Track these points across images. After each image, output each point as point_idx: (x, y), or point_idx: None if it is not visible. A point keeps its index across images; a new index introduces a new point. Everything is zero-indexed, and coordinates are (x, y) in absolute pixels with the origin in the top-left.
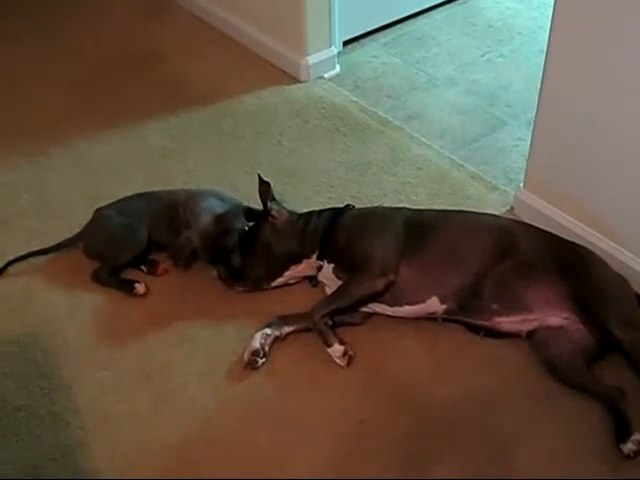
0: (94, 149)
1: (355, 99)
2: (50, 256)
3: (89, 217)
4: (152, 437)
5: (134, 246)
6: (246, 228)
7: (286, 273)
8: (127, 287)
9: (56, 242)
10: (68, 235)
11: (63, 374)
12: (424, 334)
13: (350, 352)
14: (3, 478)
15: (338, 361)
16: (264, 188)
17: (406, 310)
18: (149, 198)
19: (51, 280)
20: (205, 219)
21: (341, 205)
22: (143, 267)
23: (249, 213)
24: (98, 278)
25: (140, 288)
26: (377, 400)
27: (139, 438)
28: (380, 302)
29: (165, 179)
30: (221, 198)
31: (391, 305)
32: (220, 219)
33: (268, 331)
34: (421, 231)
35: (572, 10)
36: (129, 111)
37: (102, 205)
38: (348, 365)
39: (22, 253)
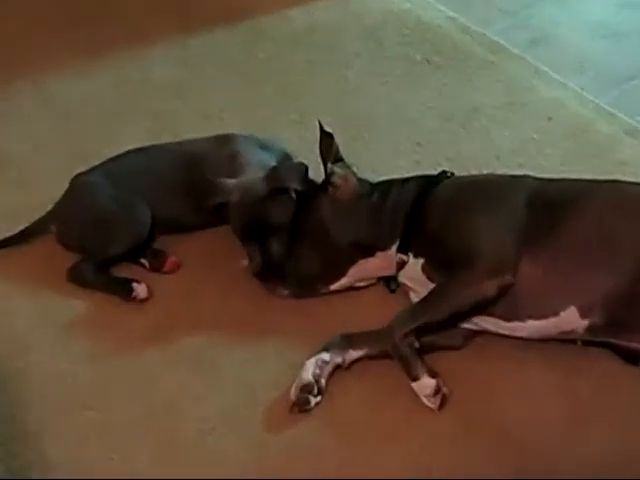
0: (73, 87)
1: (454, 15)
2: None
3: (64, 188)
4: None
5: (131, 231)
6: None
7: (351, 271)
8: (122, 289)
9: (19, 228)
10: (37, 215)
11: (28, 416)
12: (555, 363)
13: (444, 389)
14: None
15: (426, 401)
16: (326, 143)
17: (529, 327)
18: (152, 154)
19: (11, 281)
20: (251, 173)
21: (433, 172)
22: (144, 260)
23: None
24: (79, 277)
25: (140, 290)
26: (480, 460)
27: None
28: (491, 315)
29: (176, 130)
30: (269, 149)
31: (507, 319)
32: (275, 175)
33: (326, 357)
34: (552, 211)
35: None
36: (126, 32)
37: (83, 170)
38: (441, 408)
39: None
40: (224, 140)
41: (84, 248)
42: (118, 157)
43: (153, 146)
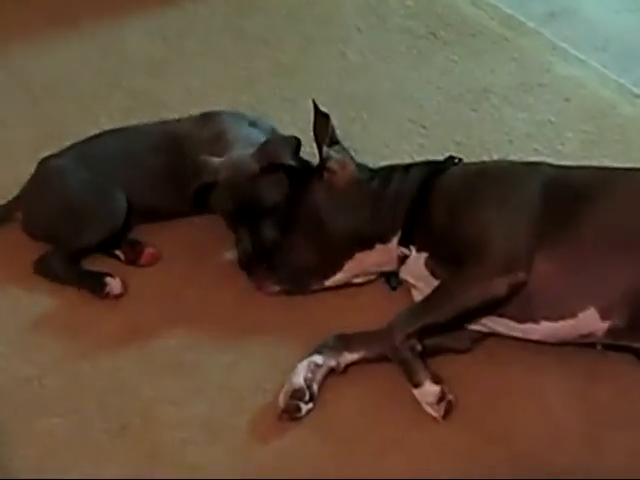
0: (41, 61)
1: None
2: None
3: (32, 171)
4: None
5: (105, 220)
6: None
7: (348, 265)
8: (94, 284)
9: None
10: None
11: None
12: (572, 368)
13: (450, 396)
14: None
15: (429, 409)
16: (321, 124)
17: (544, 329)
18: (130, 136)
19: None
20: (241, 149)
21: (440, 158)
22: (119, 252)
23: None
24: (47, 270)
25: (114, 285)
26: (489, 473)
27: None
28: (502, 316)
29: (154, 109)
30: (257, 126)
31: (520, 321)
32: (265, 150)
33: (318, 359)
34: (570, 202)
35: None
36: (98, 1)
37: (53, 152)
38: (445, 416)
39: None
40: (208, 118)
41: (53, 238)
42: (91, 139)
43: (131, 127)
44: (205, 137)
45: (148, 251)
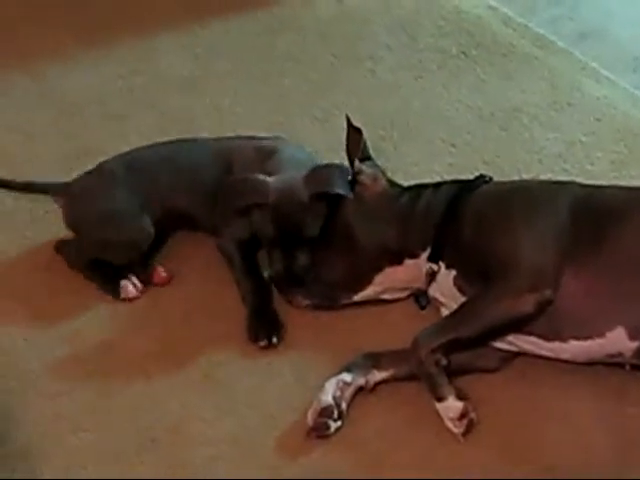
0: (73, 78)
1: (495, 4)
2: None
3: None
4: None
5: (128, 246)
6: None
7: (377, 279)
8: (109, 285)
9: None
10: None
11: (20, 434)
12: (601, 388)
13: (472, 414)
14: None
15: (451, 425)
16: (354, 139)
17: (572, 348)
18: (180, 146)
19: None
20: (291, 170)
21: (469, 177)
22: (131, 275)
23: None
24: (66, 255)
25: (129, 288)
26: None
27: None
28: (530, 334)
29: (184, 127)
30: (302, 152)
31: (547, 339)
32: (316, 177)
33: (347, 377)
34: (599, 221)
35: None
36: (130, 18)
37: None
38: (466, 434)
39: None
40: (259, 139)
41: (78, 234)
42: (145, 147)
43: (184, 139)
44: (255, 156)
45: (158, 272)
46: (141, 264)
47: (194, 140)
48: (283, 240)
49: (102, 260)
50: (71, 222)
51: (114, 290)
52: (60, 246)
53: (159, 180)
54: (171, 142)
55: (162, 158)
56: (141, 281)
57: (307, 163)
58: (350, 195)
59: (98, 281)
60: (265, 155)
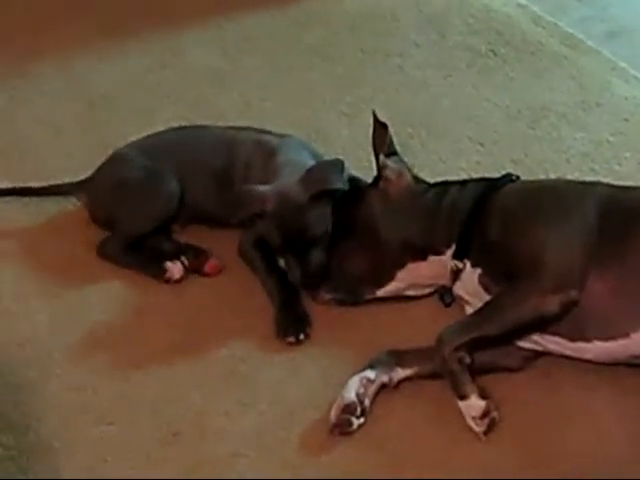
0: (102, 71)
1: (524, 3)
2: (26, 221)
3: None
4: None
5: (157, 203)
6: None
7: (400, 275)
8: (153, 268)
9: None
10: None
11: (42, 428)
12: (625, 389)
13: (494, 413)
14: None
15: (472, 423)
16: (380, 134)
17: (596, 348)
18: (191, 133)
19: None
20: (290, 174)
21: (496, 175)
22: (183, 258)
23: (351, 183)
24: (108, 253)
25: (175, 270)
26: None
27: None
28: (554, 333)
29: (212, 120)
30: (311, 151)
31: (571, 339)
32: (312, 177)
33: (371, 375)
34: (626, 222)
35: None
36: (157, 13)
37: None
38: (487, 433)
39: None
40: (268, 136)
41: (110, 222)
42: (158, 133)
43: (193, 125)
44: (254, 150)
45: (212, 261)
46: (194, 252)
47: (205, 127)
48: (292, 245)
49: (147, 247)
50: (100, 212)
51: (159, 270)
52: (101, 249)
53: (170, 162)
54: (183, 128)
55: (173, 142)
56: (192, 269)
57: (306, 163)
58: (346, 187)
59: (143, 264)
60: (264, 151)
